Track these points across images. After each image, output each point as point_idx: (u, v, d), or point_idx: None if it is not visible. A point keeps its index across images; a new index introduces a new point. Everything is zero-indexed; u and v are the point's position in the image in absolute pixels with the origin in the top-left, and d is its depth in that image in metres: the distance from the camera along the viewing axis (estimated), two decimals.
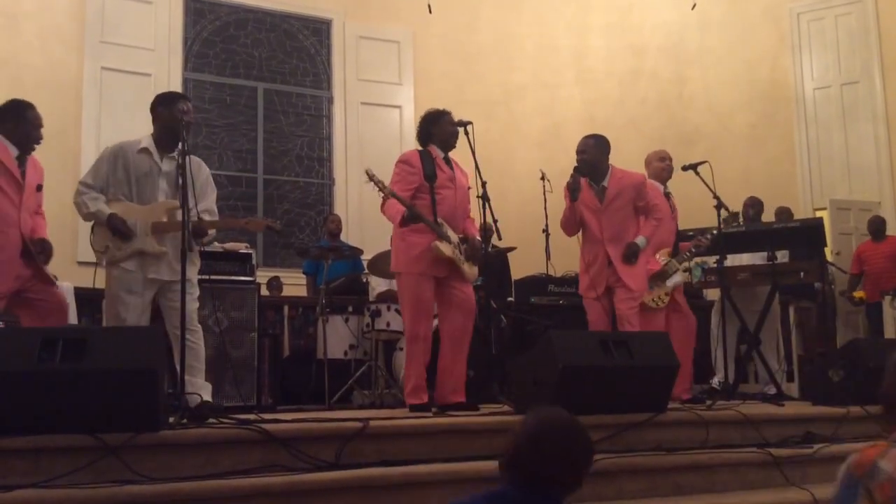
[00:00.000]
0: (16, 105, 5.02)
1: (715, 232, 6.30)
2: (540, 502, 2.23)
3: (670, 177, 6.35)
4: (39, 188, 5.04)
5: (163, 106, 4.74)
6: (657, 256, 6.13)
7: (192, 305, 4.59)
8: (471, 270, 5.29)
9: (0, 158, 4.71)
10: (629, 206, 5.75)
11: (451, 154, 5.39)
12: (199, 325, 4.66)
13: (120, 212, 4.55)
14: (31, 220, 4.93)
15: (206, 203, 4.76)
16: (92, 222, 4.68)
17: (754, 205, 7.92)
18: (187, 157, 4.39)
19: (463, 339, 5.23)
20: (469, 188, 5.34)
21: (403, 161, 5.31)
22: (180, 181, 4.41)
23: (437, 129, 5.35)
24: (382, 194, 5.03)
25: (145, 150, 4.67)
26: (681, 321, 6.15)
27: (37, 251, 4.85)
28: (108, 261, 4.60)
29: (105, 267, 4.67)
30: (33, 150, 4.97)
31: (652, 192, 6.02)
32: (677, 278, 6.12)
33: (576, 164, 5.66)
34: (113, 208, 4.57)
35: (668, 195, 6.29)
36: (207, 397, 4.48)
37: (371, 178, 5.02)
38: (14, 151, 4.81)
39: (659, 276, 6.08)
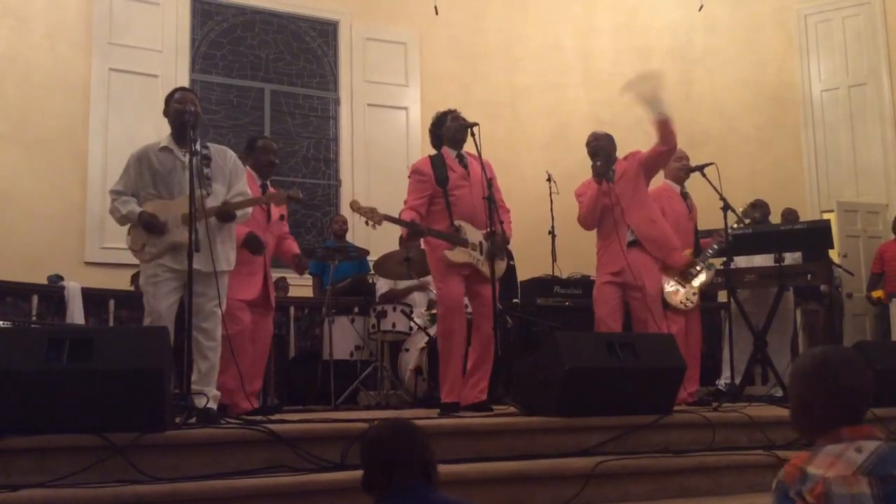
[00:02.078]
0: (248, 140, 5.87)
1: (734, 226, 6.25)
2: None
3: (687, 176, 6.33)
4: (282, 218, 5.73)
5: (167, 104, 4.87)
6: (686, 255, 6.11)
7: (215, 321, 4.63)
8: (498, 266, 5.24)
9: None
10: (637, 178, 5.79)
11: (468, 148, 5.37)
12: (218, 340, 4.67)
13: (151, 209, 4.63)
14: (282, 243, 5.72)
15: (238, 187, 4.87)
16: (128, 225, 4.74)
17: (760, 206, 7.85)
18: (197, 146, 4.54)
19: (479, 339, 5.25)
20: (492, 178, 5.21)
21: (414, 171, 5.35)
22: (205, 171, 4.60)
23: (443, 129, 5.37)
24: (372, 223, 5.00)
25: (166, 149, 4.76)
26: (694, 321, 6.16)
27: (295, 264, 5.74)
28: (146, 258, 4.64)
29: (142, 265, 4.70)
30: (270, 175, 5.68)
31: (666, 194, 6.04)
32: (703, 277, 6.08)
33: (590, 152, 5.72)
34: (145, 207, 4.66)
35: (685, 195, 6.28)
36: (213, 405, 4.51)
37: (357, 209, 4.99)
38: (258, 181, 5.48)
39: (683, 277, 6.03)
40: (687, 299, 5.99)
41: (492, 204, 5.12)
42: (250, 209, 4.94)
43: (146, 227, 4.59)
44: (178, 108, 4.71)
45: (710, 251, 6.17)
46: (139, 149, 4.85)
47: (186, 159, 4.56)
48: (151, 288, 4.59)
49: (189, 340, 4.42)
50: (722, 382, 6.88)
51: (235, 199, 4.75)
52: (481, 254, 5.20)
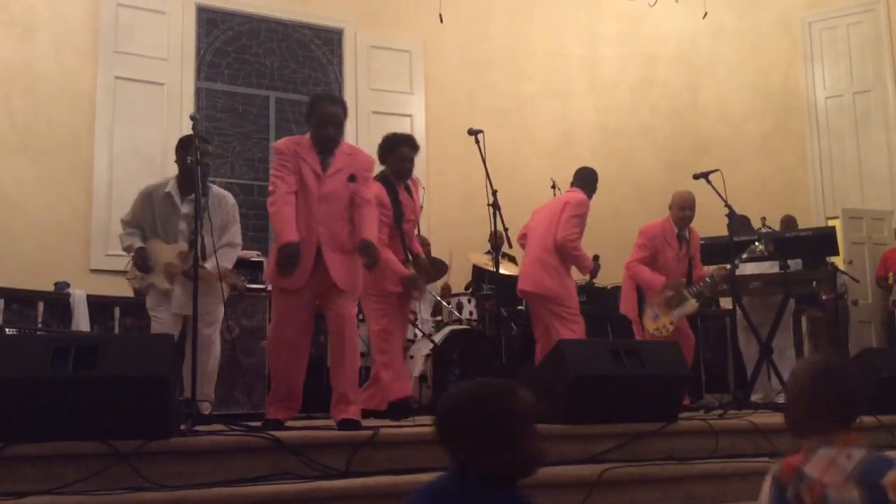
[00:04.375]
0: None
1: (729, 266, 6.30)
2: (480, 488, 1.89)
3: (688, 224, 6.57)
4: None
5: (180, 150, 5.04)
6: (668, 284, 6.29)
7: (208, 330, 4.98)
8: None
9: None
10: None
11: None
12: (216, 351, 5.10)
13: (149, 247, 4.99)
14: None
15: (228, 237, 5.10)
16: (131, 253, 5.10)
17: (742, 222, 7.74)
18: (204, 197, 4.75)
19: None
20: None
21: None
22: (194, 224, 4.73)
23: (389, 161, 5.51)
24: None
25: (168, 195, 5.02)
26: (680, 340, 6.21)
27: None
28: (134, 286, 5.14)
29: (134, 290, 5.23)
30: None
31: (666, 234, 6.51)
32: (687, 308, 6.19)
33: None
34: (147, 244, 5.01)
35: (681, 237, 6.48)
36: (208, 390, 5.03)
37: None
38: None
39: (667, 304, 6.17)
40: (663, 326, 6.25)
41: (496, 211, 5.26)
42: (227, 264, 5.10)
43: (135, 264, 5.00)
44: (190, 163, 4.72)
45: (700, 284, 6.26)
46: (147, 186, 5.16)
47: (183, 207, 4.94)
48: (154, 319, 5.05)
49: (194, 350, 4.52)
50: (774, 396, 6.82)
51: (221, 248, 4.91)
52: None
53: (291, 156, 4.59)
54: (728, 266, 6.28)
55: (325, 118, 4.72)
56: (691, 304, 6.22)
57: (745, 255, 6.26)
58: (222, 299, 4.92)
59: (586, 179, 6.32)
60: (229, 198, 5.22)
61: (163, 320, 5.01)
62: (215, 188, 5.18)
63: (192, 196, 4.77)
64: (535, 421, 1.92)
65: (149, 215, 5.04)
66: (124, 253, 5.18)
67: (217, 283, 4.86)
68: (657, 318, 6.20)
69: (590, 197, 6.34)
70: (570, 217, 6.12)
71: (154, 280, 4.96)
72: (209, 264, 4.75)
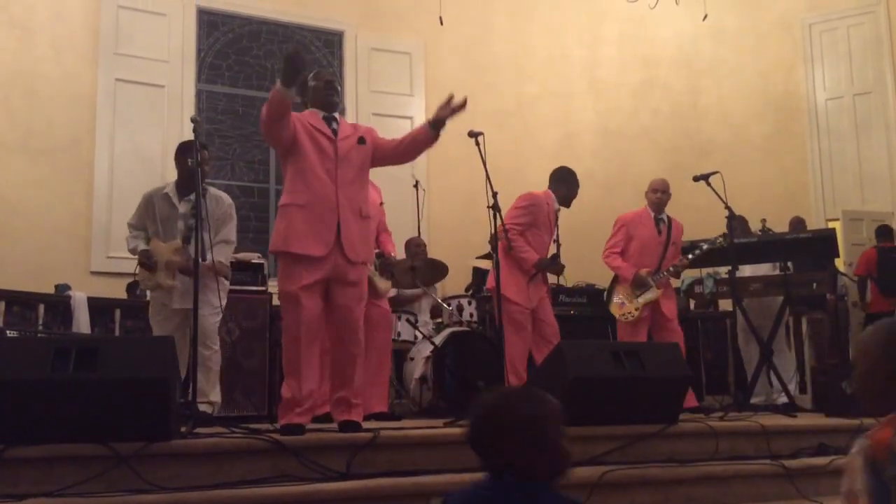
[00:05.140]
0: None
1: (691, 256, 6.37)
2: (523, 489, 1.92)
3: (664, 206, 6.58)
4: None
5: (179, 154, 5.28)
6: (640, 273, 6.36)
7: (211, 320, 5.09)
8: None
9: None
10: None
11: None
12: (216, 346, 5.16)
13: (152, 248, 5.18)
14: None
15: (223, 234, 5.24)
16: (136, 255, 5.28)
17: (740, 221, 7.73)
18: (202, 198, 4.77)
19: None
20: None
21: None
22: (189, 222, 5.07)
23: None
24: None
25: (167, 196, 5.24)
26: (668, 338, 6.25)
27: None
28: (142, 288, 5.38)
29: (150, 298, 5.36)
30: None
31: (637, 220, 6.54)
32: (649, 295, 6.25)
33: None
34: (151, 245, 5.20)
35: (658, 220, 6.53)
36: (216, 399, 5.15)
37: None
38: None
39: (632, 290, 6.24)
40: (628, 312, 6.34)
41: (496, 212, 5.28)
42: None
43: (140, 264, 5.17)
44: (191, 167, 4.93)
45: (664, 273, 6.31)
46: (150, 190, 5.40)
47: (181, 207, 5.18)
48: (154, 321, 5.25)
49: (194, 352, 4.56)
50: (775, 396, 6.82)
51: (216, 244, 4.99)
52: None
53: (300, 125, 4.54)
54: (690, 256, 6.37)
55: (329, 83, 4.77)
56: (654, 292, 6.30)
57: (705, 246, 6.36)
58: (220, 294, 5.11)
59: (559, 180, 6.28)
60: (226, 198, 5.40)
61: (162, 325, 5.19)
62: (212, 189, 5.33)
63: (189, 196, 5.09)
64: (563, 423, 2.04)
65: (150, 217, 5.26)
66: (130, 255, 5.37)
67: (214, 278, 5.03)
68: (623, 305, 6.35)
69: (571, 195, 6.25)
70: (512, 209, 6.07)
71: (159, 278, 5.13)
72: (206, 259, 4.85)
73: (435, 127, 4.60)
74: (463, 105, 4.52)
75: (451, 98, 4.56)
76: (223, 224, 5.29)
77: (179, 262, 5.08)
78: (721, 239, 6.36)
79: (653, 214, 6.55)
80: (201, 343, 4.69)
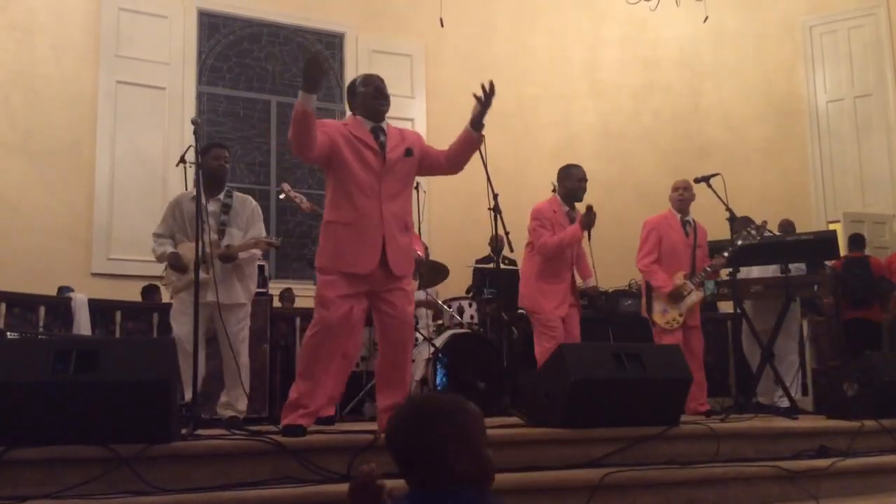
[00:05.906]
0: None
1: (726, 253, 6.30)
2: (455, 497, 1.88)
3: (687, 205, 6.54)
4: None
5: (202, 155, 5.37)
6: (673, 278, 6.25)
7: (238, 327, 5.36)
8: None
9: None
10: None
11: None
12: (245, 357, 5.38)
13: (181, 250, 5.32)
14: None
15: (253, 231, 5.52)
16: (165, 262, 5.44)
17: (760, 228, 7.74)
18: (201, 197, 4.92)
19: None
20: None
21: None
22: (222, 217, 5.39)
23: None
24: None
25: (194, 198, 5.23)
26: (694, 337, 6.30)
27: None
28: (172, 291, 5.42)
29: (172, 294, 5.51)
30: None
31: (665, 223, 6.47)
32: (693, 297, 6.23)
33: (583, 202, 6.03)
34: (179, 247, 5.35)
35: (685, 223, 6.49)
36: (242, 407, 5.31)
37: (287, 192, 5.23)
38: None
39: (672, 298, 6.19)
40: (673, 319, 6.26)
41: (497, 214, 5.25)
42: (257, 250, 5.53)
43: (171, 266, 5.30)
44: (212, 165, 5.38)
45: (702, 274, 6.28)
46: (176, 195, 5.66)
47: (210, 206, 5.36)
48: (174, 320, 5.36)
49: (195, 353, 4.71)
50: (776, 397, 6.81)
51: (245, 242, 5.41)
52: None
53: (342, 137, 4.36)
54: (726, 254, 6.32)
55: (378, 90, 4.65)
56: (696, 294, 6.26)
57: (739, 242, 6.29)
58: (249, 296, 5.47)
59: (559, 180, 6.23)
60: (250, 199, 5.67)
61: (184, 324, 5.18)
62: (238, 193, 5.63)
63: (218, 196, 5.43)
64: (485, 428, 1.97)
65: (178, 219, 5.41)
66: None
67: (248, 266, 5.46)
68: (666, 313, 6.27)
69: (573, 189, 6.11)
70: (532, 230, 6.08)
71: (191, 277, 5.10)
72: (236, 242, 5.34)
73: (475, 127, 4.50)
74: (491, 92, 4.43)
75: (483, 91, 4.51)
76: (251, 224, 5.55)
77: (218, 251, 5.24)
78: (754, 231, 6.27)
79: (679, 216, 6.54)
80: (233, 355, 5.15)
